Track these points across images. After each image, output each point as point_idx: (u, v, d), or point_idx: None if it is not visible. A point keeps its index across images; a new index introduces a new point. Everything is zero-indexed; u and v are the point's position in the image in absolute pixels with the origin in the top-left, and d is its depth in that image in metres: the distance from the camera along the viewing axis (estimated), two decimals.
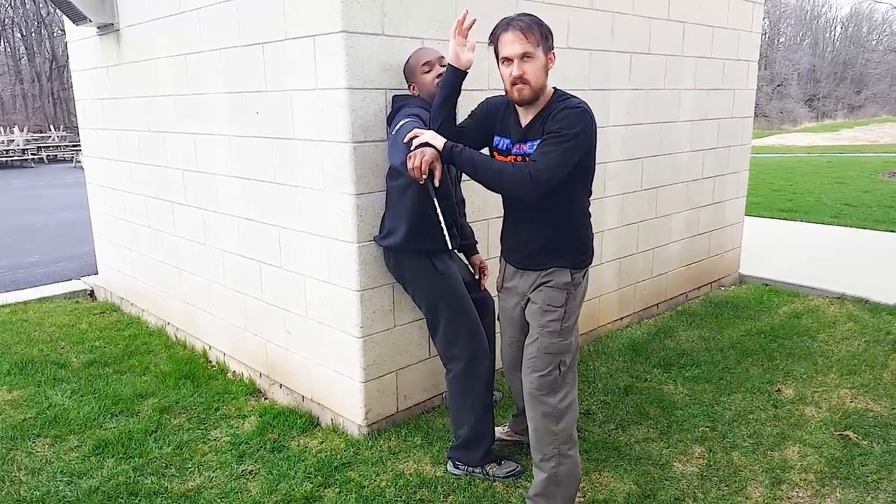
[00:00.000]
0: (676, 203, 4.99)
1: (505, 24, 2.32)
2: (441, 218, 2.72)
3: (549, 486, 2.49)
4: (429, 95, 2.77)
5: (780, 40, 55.97)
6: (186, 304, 4.43)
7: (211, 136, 3.77)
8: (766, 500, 2.70)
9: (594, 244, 2.61)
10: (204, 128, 3.81)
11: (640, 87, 4.40)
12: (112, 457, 3.07)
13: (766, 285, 5.74)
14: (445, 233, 2.74)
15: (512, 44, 2.27)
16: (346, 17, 2.78)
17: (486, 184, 2.41)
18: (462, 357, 2.83)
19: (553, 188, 2.30)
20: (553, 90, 2.41)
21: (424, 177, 2.38)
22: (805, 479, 2.83)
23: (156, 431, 3.30)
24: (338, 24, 2.79)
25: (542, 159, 2.27)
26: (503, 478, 2.84)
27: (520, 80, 2.29)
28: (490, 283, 3.13)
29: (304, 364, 3.47)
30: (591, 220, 2.58)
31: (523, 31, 2.26)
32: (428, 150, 2.37)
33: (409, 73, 2.88)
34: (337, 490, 2.79)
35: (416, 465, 2.96)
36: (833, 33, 63.79)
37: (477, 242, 3.23)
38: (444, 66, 2.62)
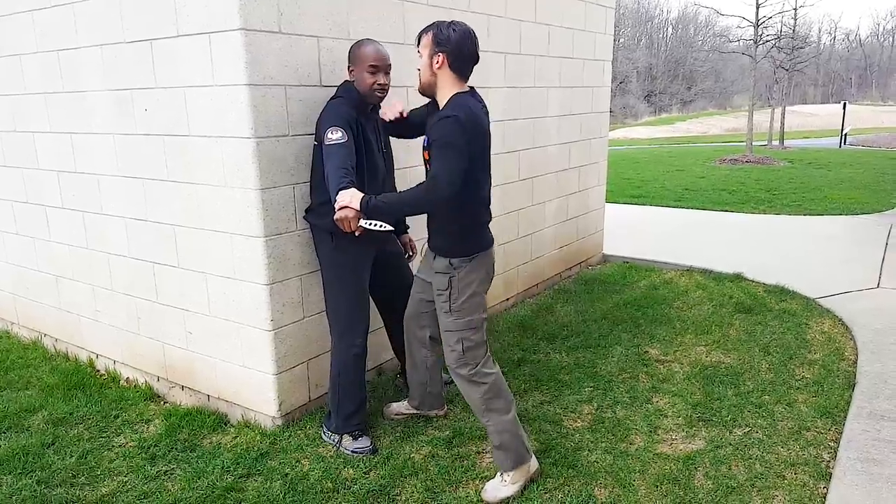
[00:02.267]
0: (549, 191, 5.42)
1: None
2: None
3: (497, 436, 2.74)
4: (363, 91, 2.93)
5: (621, 41, 60.35)
6: (66, 313, 4.20)
7: (91, 135, 3.62)
8: (647, 444, 3.10)
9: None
10: (82, 126, 3.65)
11: (514, 85, 4.75)
12: (9, 473, 2.92)
13: (627, 263, 6.37)
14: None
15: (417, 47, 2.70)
16: (243, 14, 2.83)
17: (412, 213, 2.70)
18: (337, 329, 3.09)
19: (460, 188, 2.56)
20: (454, 95, 2.63)
21: (358, 233, 2.61)
22: (677, 424, 3.28)
23: (53, 444, 3.16)
24: (236, 21, 2.83)
25: (434, 170, 2.55)
26: (350, 452, 3.05)
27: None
28: None
29: (208, 363, 3.46)
30: (480, 212, 2.79)
31: (418, 37, 2.68)
32: (351, 212, 2.55)
33: (354, 59, 2.95)
34: (260, 479, 2.85)
35: (336, 449, 3.08)
36: (665, 34, 69.72)
37: (404, 221, 3.48)
38: (388, 75, 2.92)
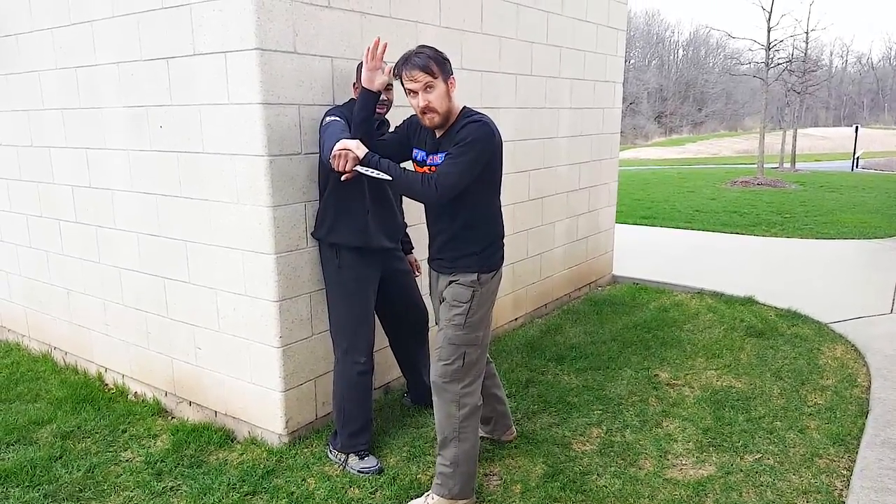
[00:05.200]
0: (559, 212, 5.42)
1: (404, 61, 2.54)
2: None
3: (450, 465, 2.69)
4: None
5: (631, 62, 60.63)
6: (77, 327, 4.23)
7: (106, 151, 3.67)
8: (656, 470, 3.06)
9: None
10: (98, 142, 3.70)
11: (525, 106, 4.78)
12: (17, 486, 2.92)
13: (637, 284, 6.34)
14: None
15: (414, 79, 2.50)
16: (260, 35, 2.86)
17: (401, 191, 2.67)
18: (340, 346, 3.10)
19: (458, 194, 2.54)
20: (462, 108, 2.64)
21: (347, 175, 2.58)
22: (687, 449, 3.24)
23: (61, 457, 3.16)
24: (252, 41, 2.87)
25: (445, 169, 2.51)
26: (356, 472, 3.02)
27: (427, 109, 2.53)
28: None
29: (216, 379, 3.46)
30: (502, 225, 2.79)
31: (421, 67, 2.49)
32: (351, 154, 2.55)
33: (358, 72, 3.00)
34: (266, 497, 2.83)
35: (342, 468, 3.06)
36: (676, 56, 70.00)
37: (409, 240, 3.52)
38: (390, 91, 2.94)
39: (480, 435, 3.21)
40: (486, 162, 2.57)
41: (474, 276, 2.66)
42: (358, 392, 3.08)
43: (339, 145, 2.57)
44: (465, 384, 2.69)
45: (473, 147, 2.49)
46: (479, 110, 2.69)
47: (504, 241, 2.81)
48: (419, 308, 3.45)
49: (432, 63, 2.50)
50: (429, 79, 2.49)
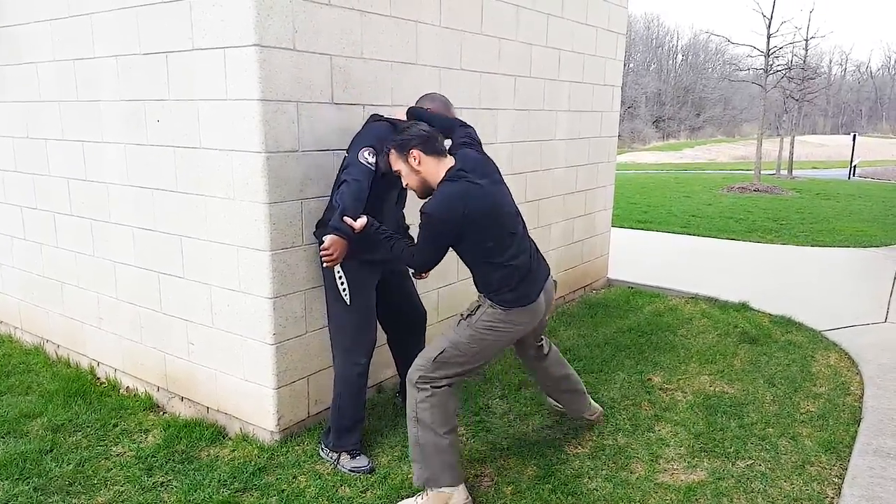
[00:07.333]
0: (555, 214, 5.42)
1: None
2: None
3: (416, 447, 2.71)
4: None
5: (630, 65, 60.71)
6: (69, 320, 4.21)
7: (103, 144, 3.65)
8: (647, 474, 3.07)
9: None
10: (94, 135, 3.69)
11: (523, 108, 4.78)
12: (7, 479, 2.91)
13: (631, 288, 6.35)
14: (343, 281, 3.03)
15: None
16: (259, 31, 2.86)
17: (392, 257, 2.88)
18: (340, 346, 3.09)
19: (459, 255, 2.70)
20: (447, 171, 2.63)
21: (328, 265, 2.83)
22: (678, 454, 3.25)
23: (51, 451, 3.15)
24: (251, 37, 2.86)
25: (417, 245, 2.65)
26: (348, 471, 3.02)
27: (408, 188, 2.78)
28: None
29: (209, 375, 3.45)
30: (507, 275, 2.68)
31: (388, 155, 2.76)
32: (342, 245, 2.77)
33: (410, 113, 3.09)
34: (257, 494, 2.83)
35: (333, 466, 3.06)
36: (675, 61, 70.13)
37: (411, 238, 3.45)
38: None
39: (558, 409, 3.45)
40: (455, 233, 2.57)
41: (484, 295, 2.74)
42: (354, 392, 3.08)
43: (333, 239, 2.75)
44: (424, 380, 2.70)
45: (430, 224, 2.56)
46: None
47: (517, 286, 2.70)
48: (417, 308, 3.44)
49: (390, 154, 2.71)
50: (396, 166, 2.72)
